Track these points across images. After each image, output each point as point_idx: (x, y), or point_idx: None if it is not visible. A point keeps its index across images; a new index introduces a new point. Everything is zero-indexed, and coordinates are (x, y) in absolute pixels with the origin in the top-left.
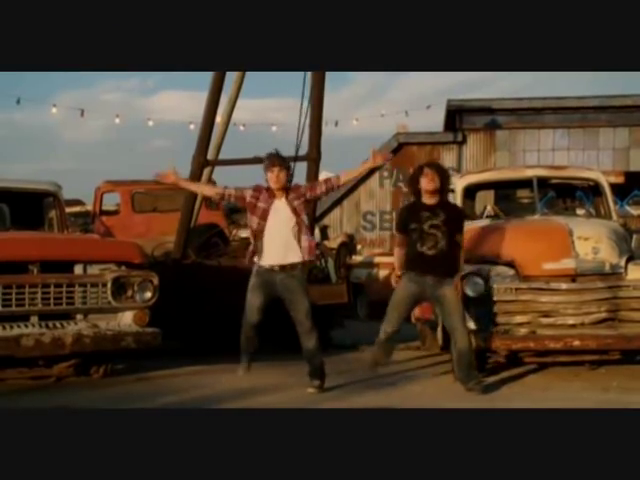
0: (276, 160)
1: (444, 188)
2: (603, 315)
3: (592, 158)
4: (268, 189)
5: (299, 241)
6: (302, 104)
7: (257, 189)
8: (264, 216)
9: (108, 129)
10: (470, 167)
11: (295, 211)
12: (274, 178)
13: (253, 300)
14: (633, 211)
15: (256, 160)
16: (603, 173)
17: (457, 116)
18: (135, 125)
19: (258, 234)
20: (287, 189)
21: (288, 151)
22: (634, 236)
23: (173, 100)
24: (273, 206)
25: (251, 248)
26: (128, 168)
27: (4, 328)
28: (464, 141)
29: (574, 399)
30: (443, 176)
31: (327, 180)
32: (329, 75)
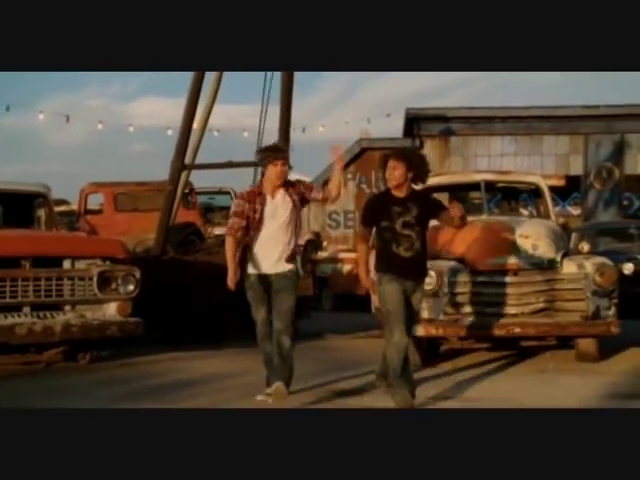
0: (280, 153)
1: (416, 176)
2: (541, 305)
3: (536, 163)
4: (260, 193)
5: (293, 245)
6: (264, 105)
7: (250, 198)
8: (258, 227)
9: (91, 133)
10: None
11: (295, 207)
12: (278, 172)
13: (258, 314)
14: (573, 211)
15: (230, 164)
16: (546, 177)
17: (415, 123)
18: (116, 130)
19: (250, 243)
20: (284, 186)
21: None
22: (573, 234)
23: (152, 106)
24: (268, 209)
25: (239, 255)
26: (109, 170)
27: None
28: (421, 146)
29: (515, 379)
30: (411, 163)
31: (324, 189)
32: (296, 82)
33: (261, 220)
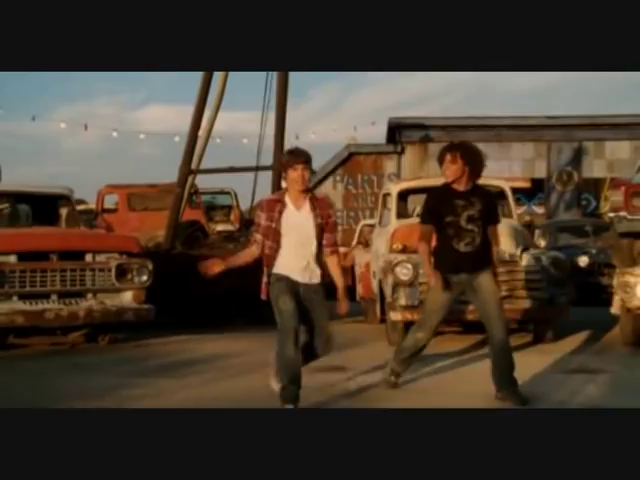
0: (302, 156)
1: (473, 171)
2: (504, 293)
3: (505, 167)
4: (279, 200)
5: (318, 264)
6: (264, 111)
7: (269, 206)
8: (276, 237)
9: (104, 139)
10: (407, 173)
11: (319, 228)
12: (298, 177)
13: (284, 305)
14: (538, 210)
15: (232, 169)
16: (514, 179)
17: (397, 131)
18: (127, 136)
19: (271, 252)
20: (310, 197)
21: (254, 161)
22: (536, 230)
23: (159, 113)
24: (290, 220)
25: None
26: (120, 172)
27: (31, 304)
28: (403, 152)
29: (477, 357)
30: (468, 157)
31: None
32: (290, 90)
33: (279, 230)
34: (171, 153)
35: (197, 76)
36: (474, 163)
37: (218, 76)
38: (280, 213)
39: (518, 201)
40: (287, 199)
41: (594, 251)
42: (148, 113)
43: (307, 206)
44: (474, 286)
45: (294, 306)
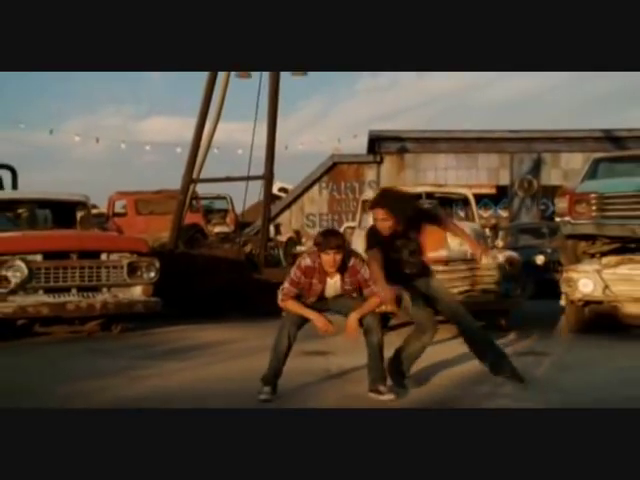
0: (334, 243)
1: (404, 216)
2: (466, 288)
3: (473, 175)
4: (316, 269)
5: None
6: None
7: (307, 273)
8: (309, 295)
9: (112, 149)
10: (386, 181)
11: (346, 292)
12: (329, 262)
13: (288, 320)
14: (503, 213)
15: (228, 179)
16: (481, 186)
17: (376, 142)
18: (132, 145)
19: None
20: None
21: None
22: (500, 232)
23: (162, 124)
24: (324, 286)
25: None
26: (125, 179)
27: (54, 297)
28: (382, 161)
29: (438, 343)
30: (397, 208)
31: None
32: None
33: (314, 291)
34: (173, 161)
35: (196, 89)
36: (402, 210)
37: (218, 87)
38: (319, 281)
39: (486, 205)
40: (323, 270)
41: (549, 250)
42: (151, 124)
43: (337, 276)
44: (431, 293)
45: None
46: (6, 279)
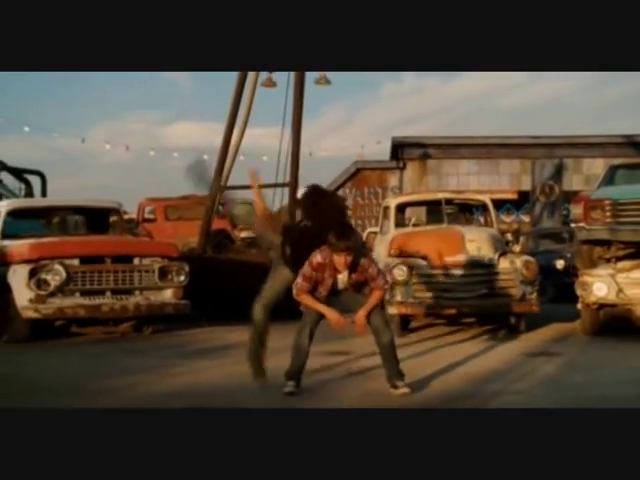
0: (345, 245)
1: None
2: (483, 291)
3: (495, 181)
4: (328, 265)
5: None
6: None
7: (319, 269)
8: (329, 288)
9: (138, 154)
10: (409, 187)
11: (354, 286)
12: (340, 263)
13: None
14: (525, 218)
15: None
16: (502, 191)
17: (399, 148)
18: (161, 152)
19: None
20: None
21: (274, 177)
22: (521, 237)
23: (186, 129)
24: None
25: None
26: (151, 184)
27: (90, 299)
28: (404, 167)
29: (458, 344)
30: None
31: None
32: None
33: (326, 285)
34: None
35: (220, 95)
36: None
37: (245, 95)
38: (331, 277)
39: (508, 211)
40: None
41: (569, 255)
42: (177, 129)
43: (346, 271)
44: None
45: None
46: (46, 282)
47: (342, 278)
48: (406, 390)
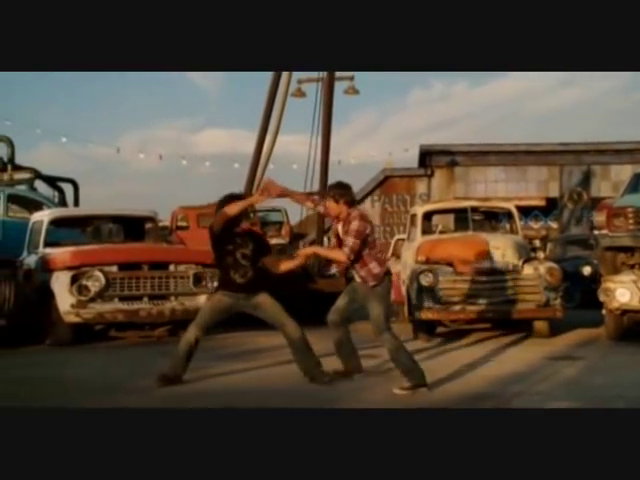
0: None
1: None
2: (508, 297)
3: (522, 188)
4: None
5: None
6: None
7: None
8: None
9: (169, 162)
10: (437, 194)
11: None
12: (332, 208)
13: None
14: (553, 225)
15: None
16: (530, 198)
17: (427, 156)
18: (191, 159)
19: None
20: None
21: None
22: (548, 243)
23: (214, 136)
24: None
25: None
26: (183, 190)
27: (128, 304)
28: (432, 175)
29: (485, 348)
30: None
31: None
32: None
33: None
34: (228, 173)
35: (247, 103)
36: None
37: (277, 104)
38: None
39: (536, 217)
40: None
41: (595, 261)
42: (206, 137)
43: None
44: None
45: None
46: (86, 288)
47: (338, 228)
48: (397, 391)
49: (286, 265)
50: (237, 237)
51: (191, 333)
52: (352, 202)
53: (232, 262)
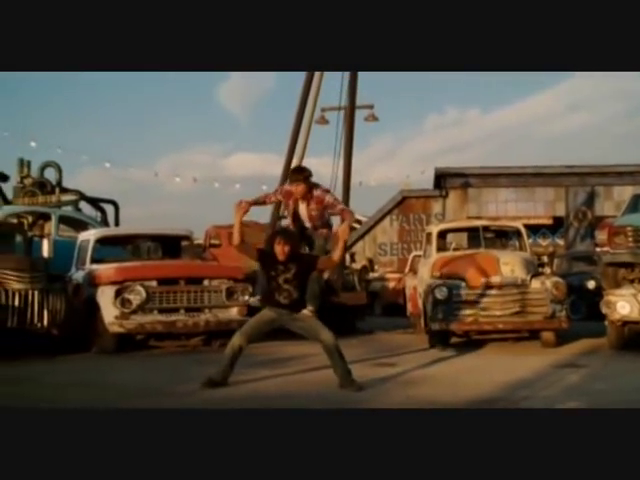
0: (298, 175)
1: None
2: (516, 309)
3: (531, 207)
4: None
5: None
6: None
7: (286, 195)
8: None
9: (201, 183)
10: (451, 214)
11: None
12: (298, 190)
13: None
14: (560, 242)
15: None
16: (538, 217)
17: (442, 178)
18: (223, 181)
19: None
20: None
21: None
22: (555, 259)
23: (244, 160)
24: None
25: None
26: (214, 210)
27: (166, 316)
28: (447, 195)
29: (494, 357)
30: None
31: (335, 204)
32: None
33: (289, 211)
34: (256, 193)
35: (275, 129)
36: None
37: (303, 129)
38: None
39: (544, 235)
40: None
41: (599, 276)
42: (236, 160)
43: (305, 204)
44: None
45: None
46: (129, 301)
47: (302, 209)
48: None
49: (336, 254)
50: (279, 264)
51: (236, 341)
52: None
53: (276, 286)
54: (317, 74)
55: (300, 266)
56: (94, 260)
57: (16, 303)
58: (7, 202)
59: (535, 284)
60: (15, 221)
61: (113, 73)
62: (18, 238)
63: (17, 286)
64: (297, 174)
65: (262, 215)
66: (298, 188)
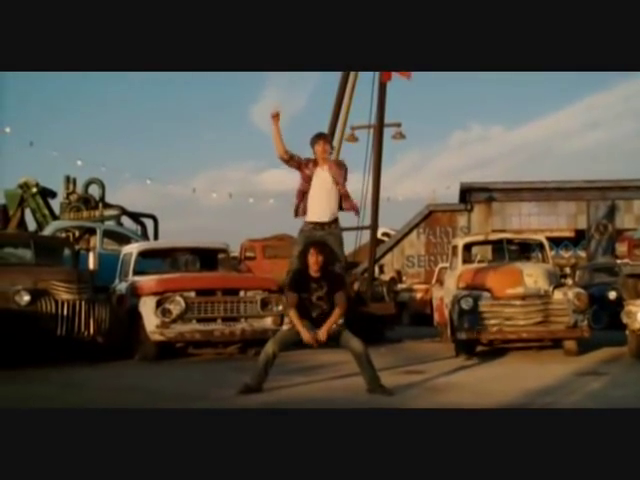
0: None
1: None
2: (539, 319)
3: (553, 221)
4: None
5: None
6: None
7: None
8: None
9: (236, 198)
10: (476, 227)
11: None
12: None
13: None
14: (581, 254)
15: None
16: (561, 230)
17: (467, 193)
18: (257, 197)
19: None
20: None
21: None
22: (577, 271)
23: (277, 176)
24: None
25: None
26: (248, 225)
27: (204, 325)
28: (472, 209)
29: (520, 365)
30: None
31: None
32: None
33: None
34: (290, 209)
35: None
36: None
37: (334, 144)
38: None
39: (566, 247)
40: None
41: (620, 287)
42: (269, 176)
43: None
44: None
45: None
46: (169, 311)
47: (324, 172)
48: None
49: (330, 321)
50: (312, 282)
51: (269, 348)
52: None
53: (309, 303)
54: (347, 93)
55: (330, 285)
56: (136, 272)
57: (65, 313)
58: (55, 217)
59: (557, 295)
60: (63, 235)
61: (155, 98)
62: (66, 251)
63: (66, 297)
64: (317, 136)
65: (294, 229)
66: (319, 147)
